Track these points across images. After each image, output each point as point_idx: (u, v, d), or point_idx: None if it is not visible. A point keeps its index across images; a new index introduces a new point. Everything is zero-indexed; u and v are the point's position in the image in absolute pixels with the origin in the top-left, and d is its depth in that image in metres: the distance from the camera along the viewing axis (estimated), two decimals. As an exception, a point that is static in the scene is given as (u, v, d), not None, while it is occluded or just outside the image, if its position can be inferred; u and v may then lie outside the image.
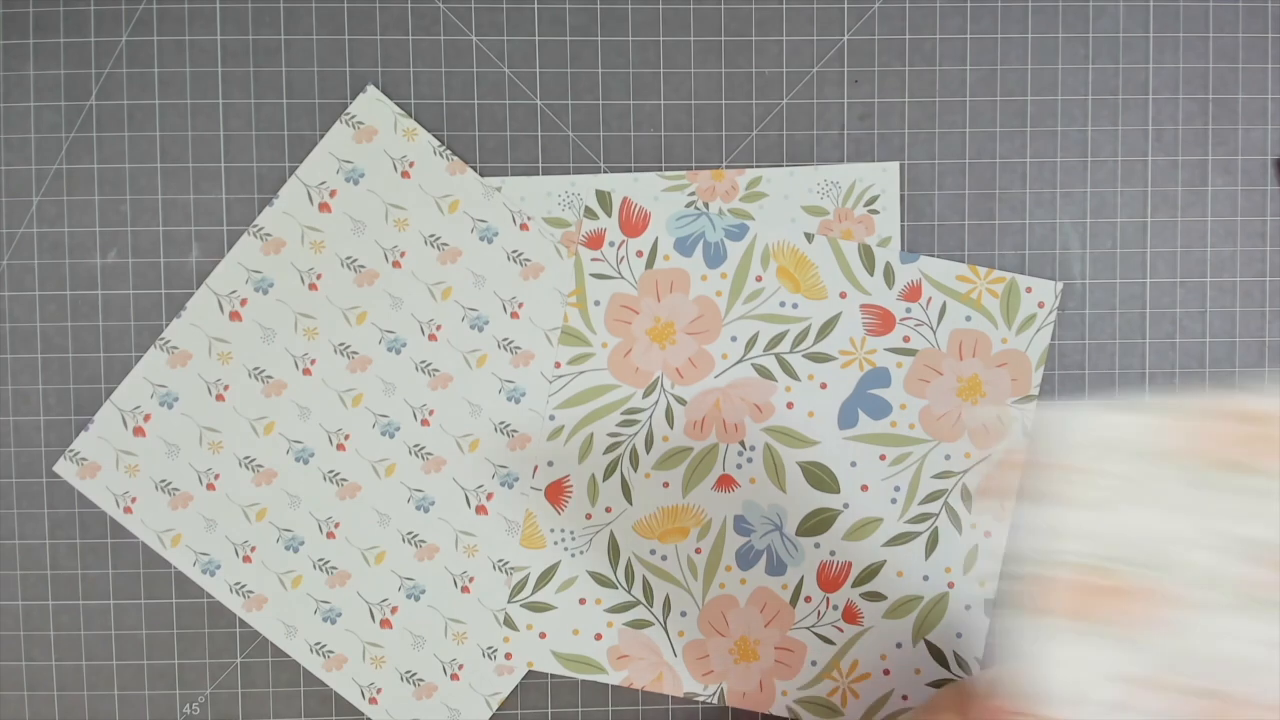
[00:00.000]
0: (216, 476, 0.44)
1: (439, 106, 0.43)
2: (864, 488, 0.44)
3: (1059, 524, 0.28)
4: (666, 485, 0.44)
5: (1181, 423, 0.30)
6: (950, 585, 0.44)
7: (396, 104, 0.43)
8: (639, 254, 0.44)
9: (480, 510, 0.44)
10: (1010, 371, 0.44)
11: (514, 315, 0.44)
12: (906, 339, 0.44)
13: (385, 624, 0.44)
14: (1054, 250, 0.44)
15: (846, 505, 0.44)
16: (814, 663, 0.44)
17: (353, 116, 0.43)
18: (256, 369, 0.44)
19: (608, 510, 0.44)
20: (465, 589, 0.44)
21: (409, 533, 0.44)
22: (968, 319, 0.44)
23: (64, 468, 0.43)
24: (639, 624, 0.44)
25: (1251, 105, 0.44)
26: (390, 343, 0.44)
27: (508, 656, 0.44)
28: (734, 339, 0.44)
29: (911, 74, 0.44)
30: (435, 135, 0.43)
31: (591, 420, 0.44)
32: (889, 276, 0.44)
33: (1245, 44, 0.44)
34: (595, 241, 0.44)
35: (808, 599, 0.44)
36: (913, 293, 0.44)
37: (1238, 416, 0.29)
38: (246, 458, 0.44)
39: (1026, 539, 0.28)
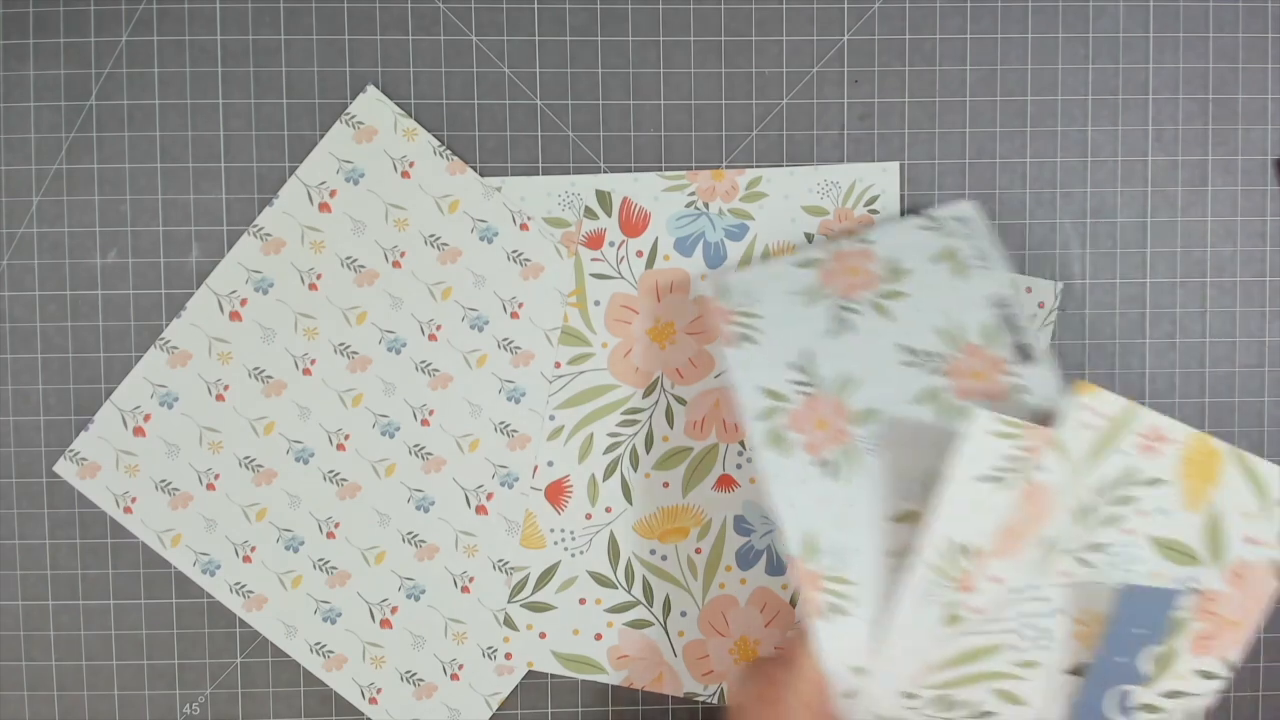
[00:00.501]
0: (216, 476, 0.44)
1: (439, 106, 0.43)
2: (864, 488, 0.44)
3: (744, 360, 0.36)
4: (666, 485, 0.44)
5: (825, 266, 0.38)
6: (950, 585, 0.44)
7: (396, 104, 0.43)
8: (639, 254, 0.44)
9: (480, 510, 0.44)
10: (1010, 371, 0.44)
11: (514, 315, 0.44)
12: (907, 339, 0.44)
13: (385, 624, 0.44)
14: (1054, 250, 0.44)
15: (847, 505, 0.44)
16: (814, 663, 0.44)
17: (353, 116, 0.43)
18: (256, 369, 0.44)
19: (608, 510, 0.44)
20: (465, 589, 0.44)
21: (409, 533, 0.44)
22: (968, 319, 0.44)
23: (64, 468, 0.43)
24: (639, 624, 0.44)
25: (1251, 105, 0.44)
26: (390, 343, 0.44)
27: (508, 656, 0.44)
28: (734, 339, 0.44)
29: (911, 74, 0.44)
30: (435, 135, 0.43)
31: (591, 420, 0.44)
32: (889, 276, 0.44)
33: (1245, 44, 0.44)
34: (595, 241, 0.44)
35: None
36: (913, 293, 0.44)
37: (862, 256, 0.38)
38: (246, 458, 0.44)
39: (734, 377, 0.35)
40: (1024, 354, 0.36)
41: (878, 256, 0.38)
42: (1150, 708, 0.35)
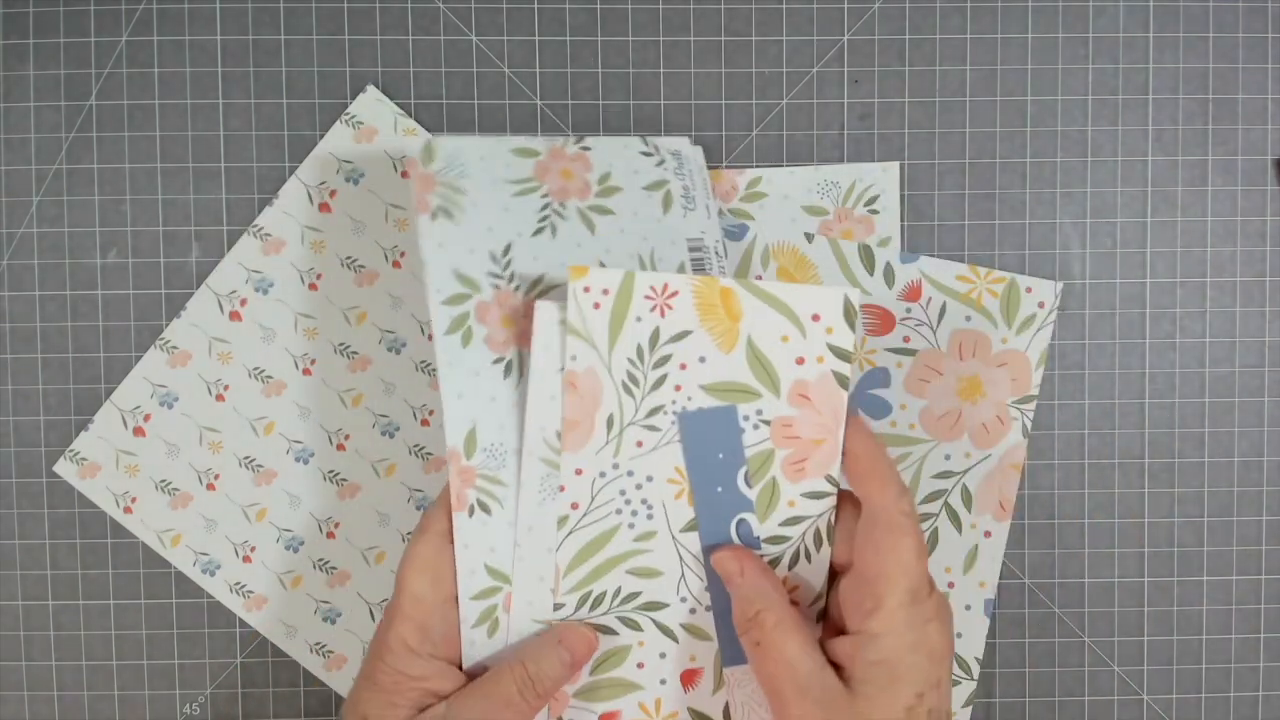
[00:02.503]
0: (216, 476, 0.44)
1: (439, 106, 0.43)
2: (864, 488, 0.44)
3: (441, 236, 0.35)
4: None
5: (540, 159, 0.37)
6: (950, 585, 0.44)
7: (396, 104, 0.43)
8: (639, 254, 0.44)
9: (480, 510, 0.44)
10: (1010, 371, 0.44)
11: (514, 315, 0.44)
12: (906, 339, 0.44)
13: (385, 624, 0.44)
14: (1054, 250, 0.44)
15: (846, 505, 0.44)
16: (813, 662, 0.44)
17: (353, 116, 0.43)
18: (256, 369, 0.44)
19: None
20: (465, 589, 0.44)
21: (409, 533, 0.44)
22: (968, 319, 0.44)
23: (64, 468, 0.43)
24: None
25: (1251, 105, 0.44)
26: (390, 343, 0.44)
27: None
28: (734, 339, 0.44)
29: (911, 74, 0.44)
30: (435, 135, 0.43)
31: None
32: (889, 276, 0.44)
33: (1245, 44, 0.44)
34: (595, 241, 0.44)
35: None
36: (913, 293, 0.44)
37: (579, 161, 0.38)
38: (246, 458, 0.44)
39: (425, 252, 0.35)
40: None
41: (594, 165, 0.38)
42: (776, 539, 0.36)
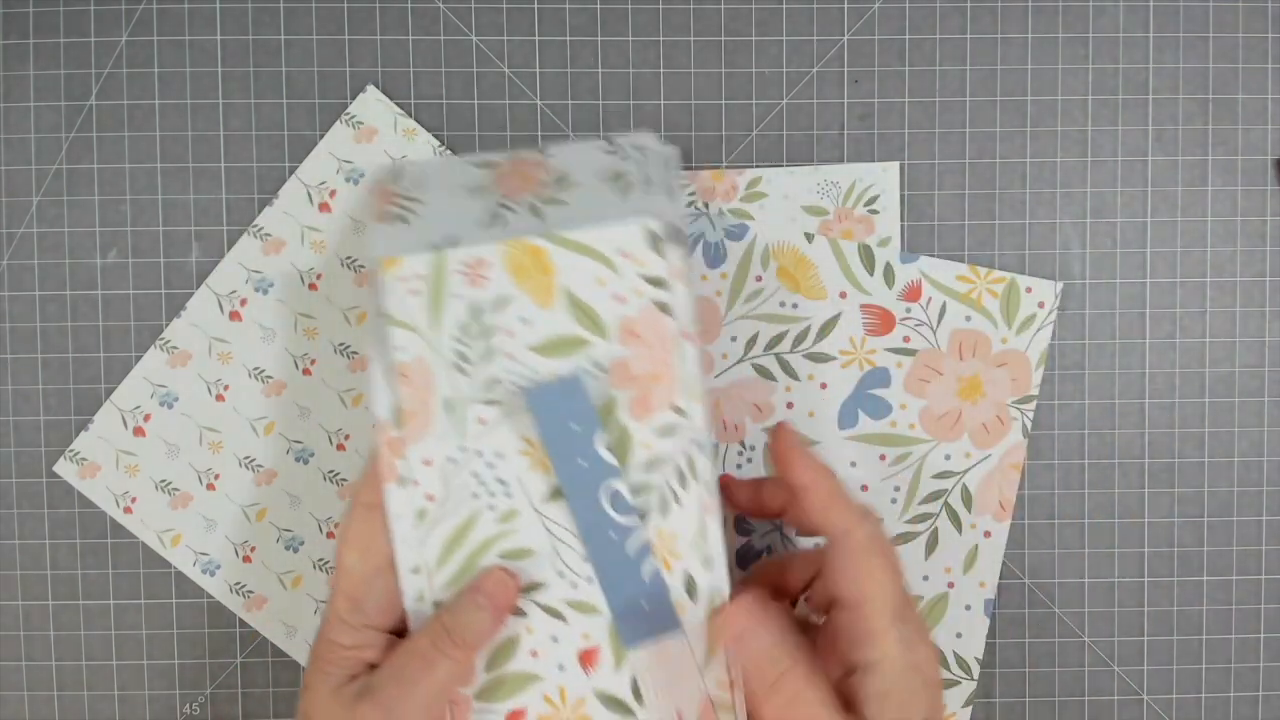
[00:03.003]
0: (216, 476, 0.44)
1: (439, 106, 0.43)
2: (864, 488, 0.44)
3: (390, 235, 0.35)
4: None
5: (501, 169, 0.37)
6: (950, 585, 0.44)
7: (396, 104, 0.43)
8: (639, 254, 0.44)
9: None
10: (1010, 371, 0.44)
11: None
12: (906, 339, 0.44)
13: (385, 624, 0.44)
14: (1054, 250, 0.44)
15: (846, 505, 0.44)
16: (814, 663, 0.44)
17: (353, 116, 0.43)
18: (256, 369, 0.44)
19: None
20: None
21: (409, 533, 0.44)
22: (968, 319, 0.44)
23: (64, 468, 0.43)
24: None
25: (1251, 105, 0.44)
26: (390, 343, 0.44)
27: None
28: (734, 339, 0.44)
29: (911, 74, 0.44)
30: (435, 135, 0.43)
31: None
32: (889, 276, 0.44)
33: (1245, 44, 0.44)
34: (595, 241, 0.44)
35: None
36: (913, 293, 0.44)
37: (537, 165, 0.37)
38: (246, 458, 0.44)
39: (375, 252, 0.34)
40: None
41: (551, 168, 0.37)
42: (642, 488, 0.34)
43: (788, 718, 0.32)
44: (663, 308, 0.34)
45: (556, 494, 0.34)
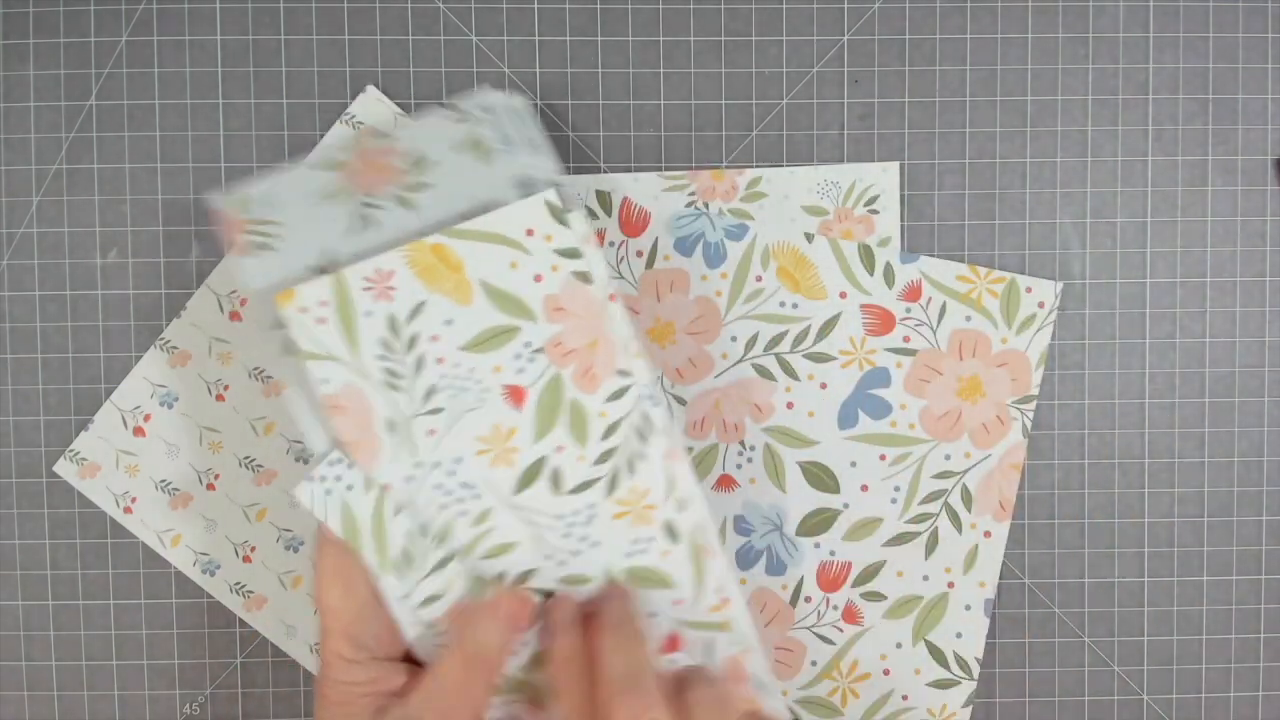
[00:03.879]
0: (216, 476, 0.44)
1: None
2: (864, 488, 0.44)
3: (263, 268, 0.34)
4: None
5: (348, 166, 0.36)
6: (950, 585, 0.44)
7: (396, 104, 0.43)
8: (639, 254, 0.44)
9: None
10: (1010, 371, 0.44)
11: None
12: (906, 339, 0.44)
13: (385, 624, 0.44)
14: (1054, 250, 0.44)
15: (846, 505, 0.44)
16: (814, 663, 0.44)
17: (353, 116, 0.43)
18: (256, 369, 0.44)
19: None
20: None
21: (409, 533, 0.44)
22: (968, 319, 0.44)
23: (64, 468, 0.43)
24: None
25: (1251, 105, 0.44)
26: (390, 343, 0.43)
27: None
28: (734, 339, 0.44)
29: (911, 74, 0.44)
30: (435, 135, 0.43)
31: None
32: (889, 276, 0.44)
33: (1245, 44, 0.44)
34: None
35: (808, 599, 0.44)
36: (913, 293, 0.44)
37: (386, 152, 0.36)
38: (246, 458, 0.44)
39: (252, 286, 0.34)
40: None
41: (401, 151, 0.36)
42: (607, 455, 0.35)
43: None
44: (583, 277, 0.34)
45: (525, 482, 0.34)
